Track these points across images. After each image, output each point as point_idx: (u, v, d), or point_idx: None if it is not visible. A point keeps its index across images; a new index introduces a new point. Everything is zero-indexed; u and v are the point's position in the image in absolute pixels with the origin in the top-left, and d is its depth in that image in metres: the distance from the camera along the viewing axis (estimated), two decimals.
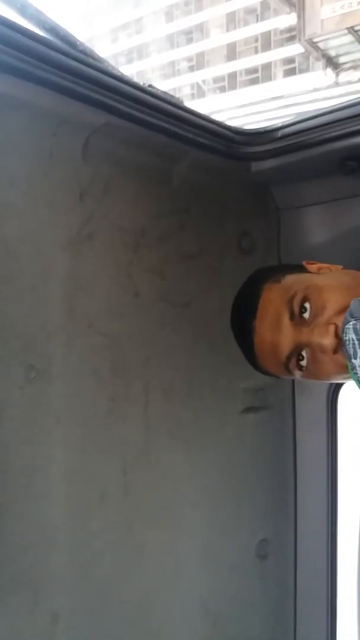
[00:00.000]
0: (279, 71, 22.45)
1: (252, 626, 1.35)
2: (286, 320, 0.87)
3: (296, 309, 0.86)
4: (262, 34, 22.74)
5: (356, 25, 17.97)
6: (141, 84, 0.93)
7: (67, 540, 0.98)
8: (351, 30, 18.15)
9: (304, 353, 0.87)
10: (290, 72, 22.01)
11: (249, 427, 1.28)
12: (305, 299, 0.86)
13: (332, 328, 0.83)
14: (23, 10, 0.88)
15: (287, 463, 1.37)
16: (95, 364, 1.01)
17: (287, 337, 0.87)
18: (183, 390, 1.17)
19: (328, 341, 0.83)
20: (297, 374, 0.90)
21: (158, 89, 0.96)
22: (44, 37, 0.81)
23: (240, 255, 1.29)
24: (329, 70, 19.46)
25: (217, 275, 1.23)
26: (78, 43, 0.90)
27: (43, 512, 0.95)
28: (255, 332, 0.90)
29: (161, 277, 1.12)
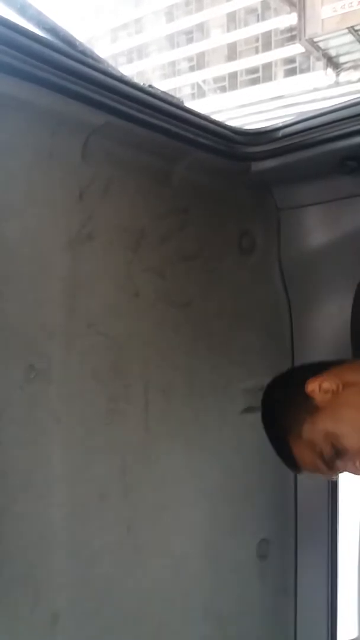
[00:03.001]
0: (279, 71, 22.46)
1: (252, 626, 1.35)
2: (323, 466, 1.05)
3: (327, 457, 1.03)
4: (263, 34, 22.75)
5: (356, 25, 17.97)
6: (141, 84, 0.93)
7: (67, 540, 0.98)
8: (351, 29, 18.15)
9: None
10: (290, 72, 22.01)
11: (249, 427, 1.28)
12: (331, 448, 1.02)
13: (358, 463, 1.02)
14: (23, 11, 0.88)
15: None
16: (95, 364, 1.01)
17: (328, 474, 1.08)
18: (183, 390, 1.17)
19: (357, 473, 1.03)
20: None
21: (158, 89, 0.96)
22: (44, 38, 0.81)
23: (240, 255, 1.29)
24: (330, 70, 19.46)
25: (217, 275, 1.23)
26: (78, 43, 0.90)
27: (43, 512, 0.95)
28: (300, 468, 1.11)
29: (161, 277, 1.12)
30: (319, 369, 1.10)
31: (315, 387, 1.05)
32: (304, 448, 1.05)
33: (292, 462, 1.10)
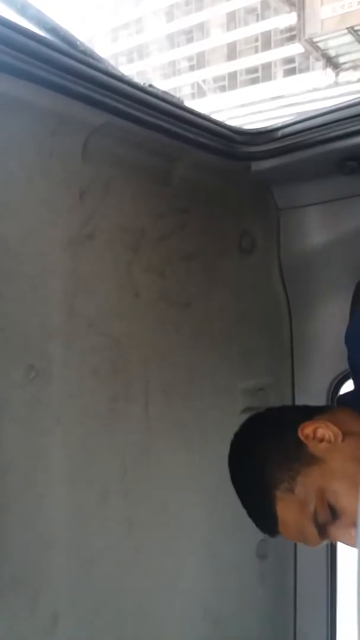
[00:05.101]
0: (279, 71, 22.45)
1: (252, 626, 1.35)
2: (313, 532, 0.88)
3: (322, 521, 0.87)
4: (262, 34, 22.75)
5: (356, 25, 17.97)
6: (141, 84, 0.93)
7: (67, 540, 0.98)
8: (351, 30, 18.15)
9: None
10: (290, 72, 22.01)
11: None
12: (327, 510, 0.87)
13: (354, 531, 0.85)
14: (23, 10, 0.88)
15: None
16: (95, 364, 1.01)
17: (315, 542, 0.91)
18: (183, 390, 1.17)
19: (352, 543, 0.86)
20: None
21: (158, 89, 0.96)
22: (44, 37, 0.81)
23: (240, 254, 1.29)
24: (329, 70, 19.46)
25: (217, 275, 1.23)
26: (78, 43, 0.90)
27: (43, 512, 0.94)
28: (281, 534, 0.93)
29: (161, 277, 1.12)
30: (308, 412, 0.97)
31: (310, 432, 0.91)
32: (292, 507, 0.89)
33: (270, 523, 0.92)
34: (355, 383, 1.08)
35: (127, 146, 1.00)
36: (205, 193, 1.18)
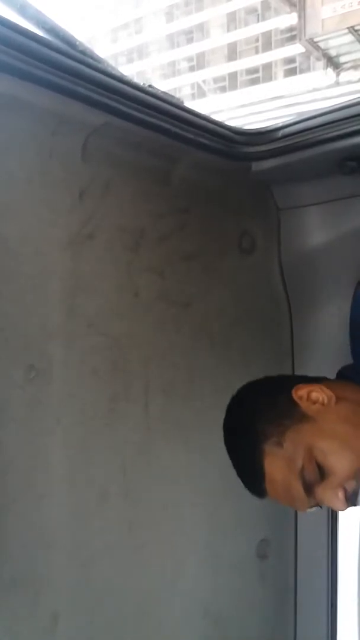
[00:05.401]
0: (279, 71, 22.44)
1: (252, 626, 1.35)
2: (300, 490, 0.87)
3: (309, 479, 0.86)
4: (263, 34, 22.73)
5: (357, 25, 17.96)
6: (141, 84, 0.93)
7: (67, 540, 0.98)
8: (352, 29, 18.13)
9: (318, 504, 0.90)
10: (290, 72, 22.00)
11: None
12: (315, 467, 0.86)
13: (341, 494, 0.85)
14: (23, 11, 0.88)
15: None
16: (95, 364, 1.01)
17: (302, 502, 0.89)
18: (183, 390, 1.17)
19: (339, 505, 0.86)
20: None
21: (158, 89, 0.96)
22: (44, 38, 0.81)
23: (240, 255, 1.29)
24: (330, 70, 19.45)
25: (217, 275, 1.23)
26: (78, 43, 0.90)
27: (43, 512, 0.94)
28: (267, 492, 0.91)
29: (161, 277, 1.12)
30: (305, 379, 0.98)
31: (304, 394, 0.91)
32: (280, 463, 0.88)
33: (257, 480, 0.90)
34: (353, 355, 1.11)
35: (127, 146, 1.00)
36: (205, 193, 1.18)
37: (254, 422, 0.93)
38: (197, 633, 1.23)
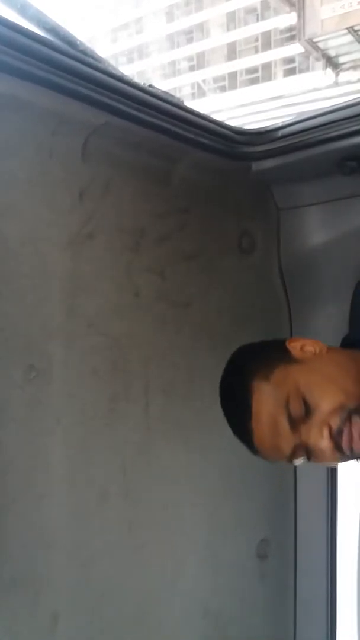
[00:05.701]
0: (279, 71, 22.43)
1: (252, 626, 1.35)
2: (285, 425, 0.87)
3: (294, 413, 0.86)
4: (262, 34, 22.72)
5: (356, 25, 17.95)
6: (141, 84, 0.93)
7: (67, 540, 0.98)
8: (351, 30, 18.13)
9: (304, 451, 0.89)
10: (290, 72, 21.99)
11: None
12: (300, 402, 0.86)
13: (326, 431, 0.85)
14: (23, 11, 0.88)
15: None
16: (95, 364, 1.01)
17: (287, 441, 0.88)
18: (183, 390, 1.17)
19: (324, 444, 0.85)
20: (301, 463, 0.92)
21: (158, 89, 0.96)
22: (44, 37, 0.81)
23: (240, 254, 1.29)
24: (329, 70, 19.45)
25: (217, 275, 1.23)
26: (78, 43, 0.90)
27: (43, 512, 0.94)
28: (253, 433, 0.91)
29: (161, 277, 1.12)
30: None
31: (297, 345, 0.94)
32: (267, 396, 0.88)
33: (244, 412, 0.90)
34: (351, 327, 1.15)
35: (127, 146, 1.00)
36: (205, 193, 1.18)
37: (244, 363, 0.96)
38: (197, 633, 1.23)
